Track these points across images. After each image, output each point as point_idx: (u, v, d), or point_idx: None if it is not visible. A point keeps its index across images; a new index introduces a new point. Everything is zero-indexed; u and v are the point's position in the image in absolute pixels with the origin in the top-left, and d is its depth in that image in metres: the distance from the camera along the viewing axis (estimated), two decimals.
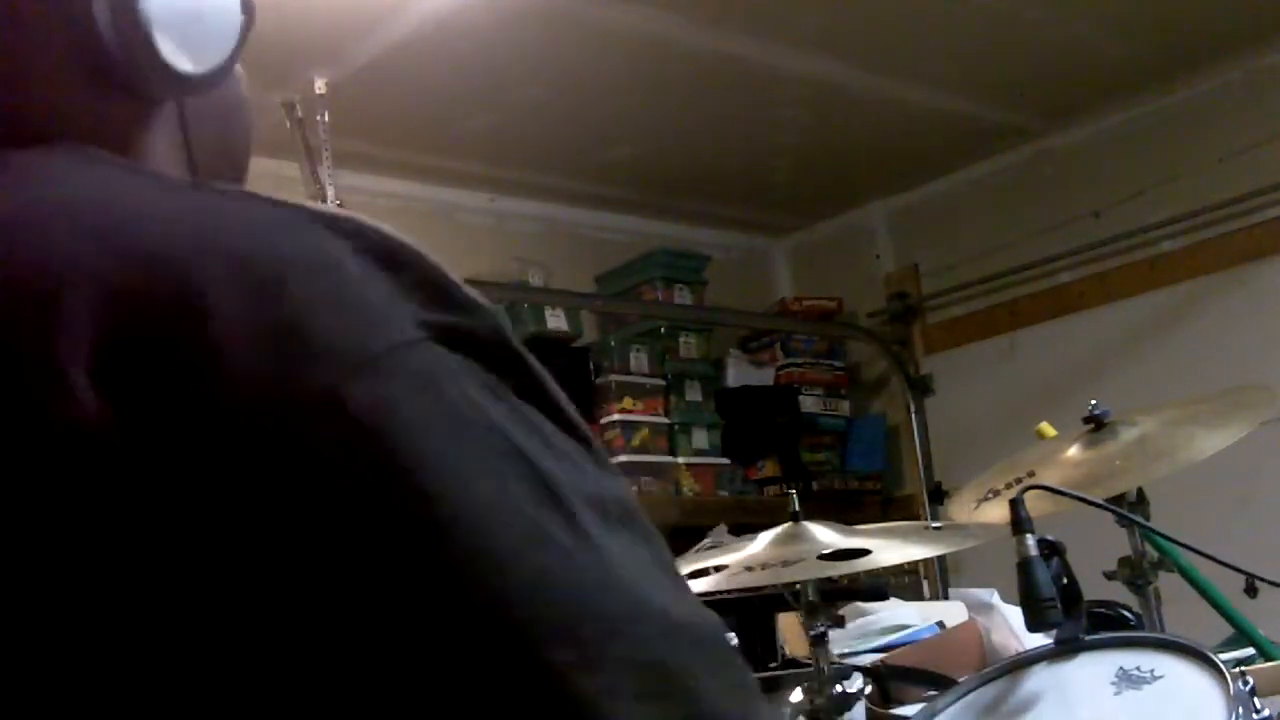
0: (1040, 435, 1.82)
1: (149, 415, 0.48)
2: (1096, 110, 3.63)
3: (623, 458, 3.56)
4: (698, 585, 1.45)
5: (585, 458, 0.53)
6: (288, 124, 2.63)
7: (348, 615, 0.48)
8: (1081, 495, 1.47)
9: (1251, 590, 1.50)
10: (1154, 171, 3.57)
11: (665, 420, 3.75)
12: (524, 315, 3.63)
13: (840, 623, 1.57)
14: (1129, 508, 1.58)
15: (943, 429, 4.03)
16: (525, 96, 3.18)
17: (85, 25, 0.64)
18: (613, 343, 3.76)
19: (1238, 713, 1.10)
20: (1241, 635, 1.72)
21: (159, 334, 0.50)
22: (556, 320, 3.70)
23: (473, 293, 0.55)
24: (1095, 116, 3.66)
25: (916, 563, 3.34)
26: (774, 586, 1.50)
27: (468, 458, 0.50)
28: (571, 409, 0.55)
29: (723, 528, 3.27)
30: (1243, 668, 1.19)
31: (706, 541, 2.20)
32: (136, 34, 0.64)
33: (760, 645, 1.81)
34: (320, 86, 2.85)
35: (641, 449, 3.65)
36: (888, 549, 1.48)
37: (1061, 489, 1.48)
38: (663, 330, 3.88)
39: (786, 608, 1.53)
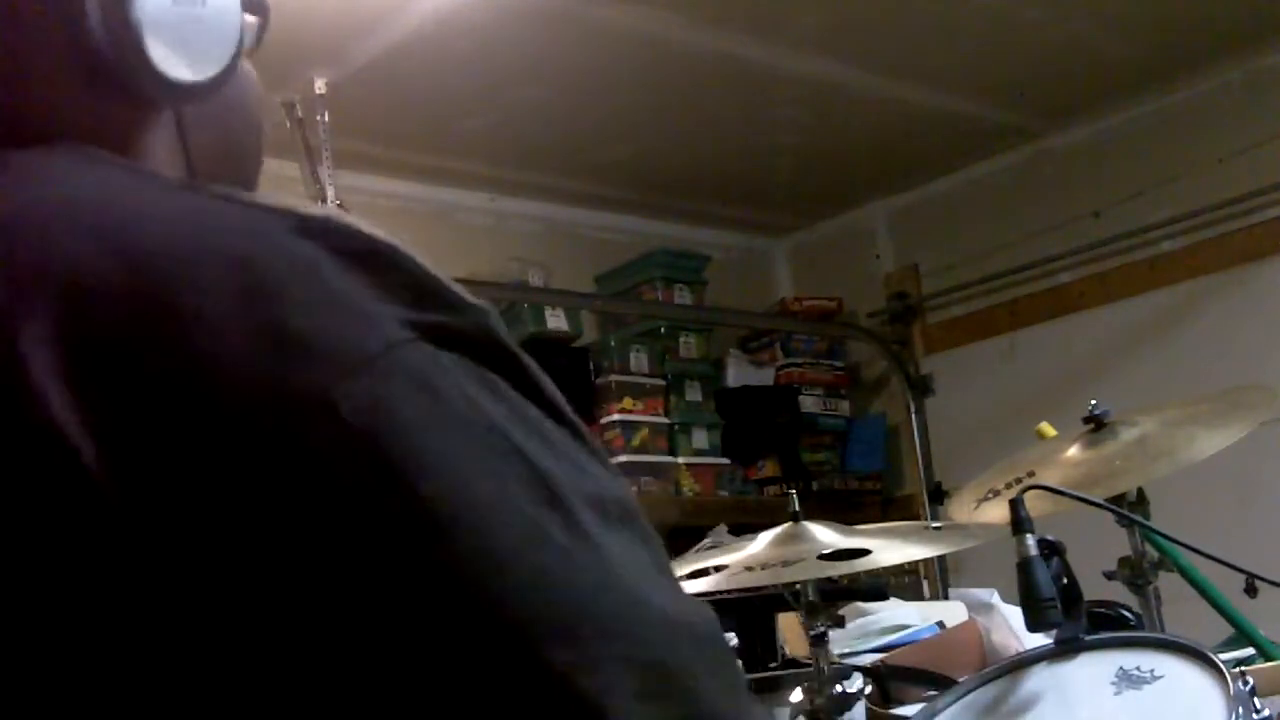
0: (1040, 435, 1.82)
1: (131, 419, 0.48)
2: (1096, 110, 3.63)
3: (623, 458, 3.56)
4: (698, 585, 1.45)
5: (584, 456, 0.53)
6: (288, 124, 2.63)
7: (348, 615, 0.48)
8: (1081, 495, 1.47)
9: (1251, 590, 1.50)
10: (1154, 171, 3.57)
11: (665, 420, 3.75)
12: (524, 315, 3.63)
13: (840, 623, 1.57)
14: (1129, 508, 1.58)
15: (943, 429, 4.03)
16: (525, 96, 3.18)
17: (81, 28, 0.64)
18: (613, 343, 3.76)
19: (1238, 713, 1.10)
20: (1241, 635, 1.72)
21: (140, 337, 0.49)
22: (556, 320, 3.70)
23: (462, 291, 0.54)
24: (1095, 116, 3.66)
25: (916, 563, 3.34)
26: (774, 586, 1.50)
27: (467, 457, 0.50)
28: (567, 407, 0.55)
29: (723, 528, 3.27)
30: (1243, 668, 1.19)
31: (706, 541, 2.20)
32: (128, 40, 0.64)
33: (760, 645, 1.81)
34: (320, 86, 2.85)
35: (641, 449, 3.65)
36: (888, 549, 1.48)
37: (1061, 489, 1.48)
38: (663, 330, 3.88)
39: (786, 608, 1.53)
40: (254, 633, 0.47)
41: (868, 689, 1.49)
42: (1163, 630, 1.52)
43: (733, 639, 1.52)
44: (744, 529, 1.86)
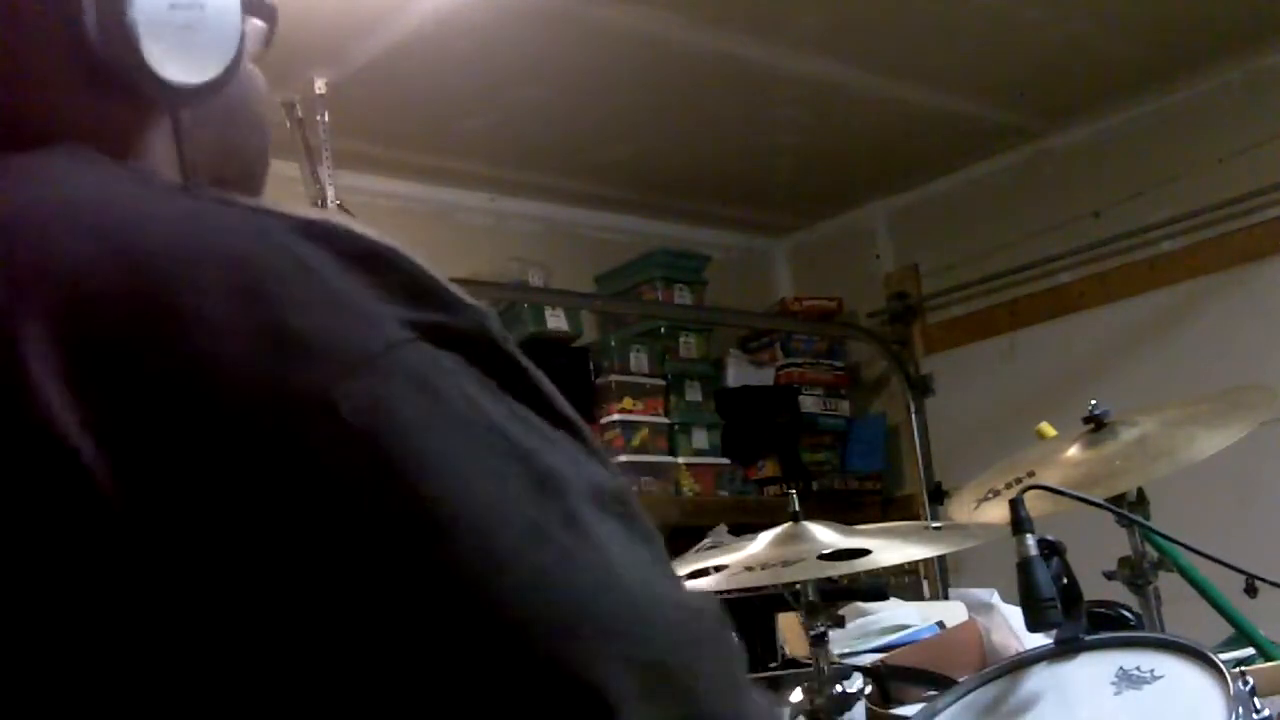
0: (1040, 435, 1.82)
1: (131, 419, 0.48)
2: (1096, 110, 3.63)
3: (623, 458, 3.56)
4: (698, 585, 1.45)
5: (583, 454, 0.54)
6: (288, 124, 2.63)
7: (349, 614, 0.48)
8: (1081, 495, 1.47)
9: (1251, 590, 1.50)
10: (1154, 171, 3.57)
11: (665, 420, 3.75)
12: (524, 315, 3.63)
13: (840, 623, 1.57)
14: (1129, 508, 1.58)
15: (943, 429, 4.03)
16: (524, 96, 3.18)
17: (78, 29, 0.64)
18: (613, 343, 3.76)
19: (1238, 713, 1.10)
20: (1241, 635, 1.72)
21: (140, 337, 0.49)
22: (556, 320, 3.70)
23: (459, 291, 0.54)
24: (1095, 116, 3.66)
25: (916, 563, 3.34)
26: (774, 586, 1.50)
27: (467, 457, 0.50)
28: (567, 406, 0.55)
29: (723, 528, 3.27)
30: (1243, 668, 1.19)
31: (706, 541, 2.20)
32: (124, 41, 0.64)
33: (760, 645, 1.81)
34: (320, 86, 2.85)
35: (641, 449, 3.65)
36: (888, 549, 1.48)
37: (1061, 489, 1.48)
38: (663, 330, 3.88)
39: (786, 608, 1.53)
40: (254, 633, 0.47)
41: (868, 689, 1.49)
42: (1163, 630, 1.52)
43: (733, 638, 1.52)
44: (744, 529, 1.86)
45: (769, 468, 3.91)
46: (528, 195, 3.86)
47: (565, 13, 2.81)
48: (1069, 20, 3.06)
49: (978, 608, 1.96)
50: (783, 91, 3.30)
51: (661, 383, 3.77)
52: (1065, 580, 1.30)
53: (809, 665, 1.48)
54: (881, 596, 1.72)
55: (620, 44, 2.97)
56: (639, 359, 3.76)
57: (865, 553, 1.44)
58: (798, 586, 1.49)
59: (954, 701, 1.34)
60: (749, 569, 1.46)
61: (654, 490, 3.61)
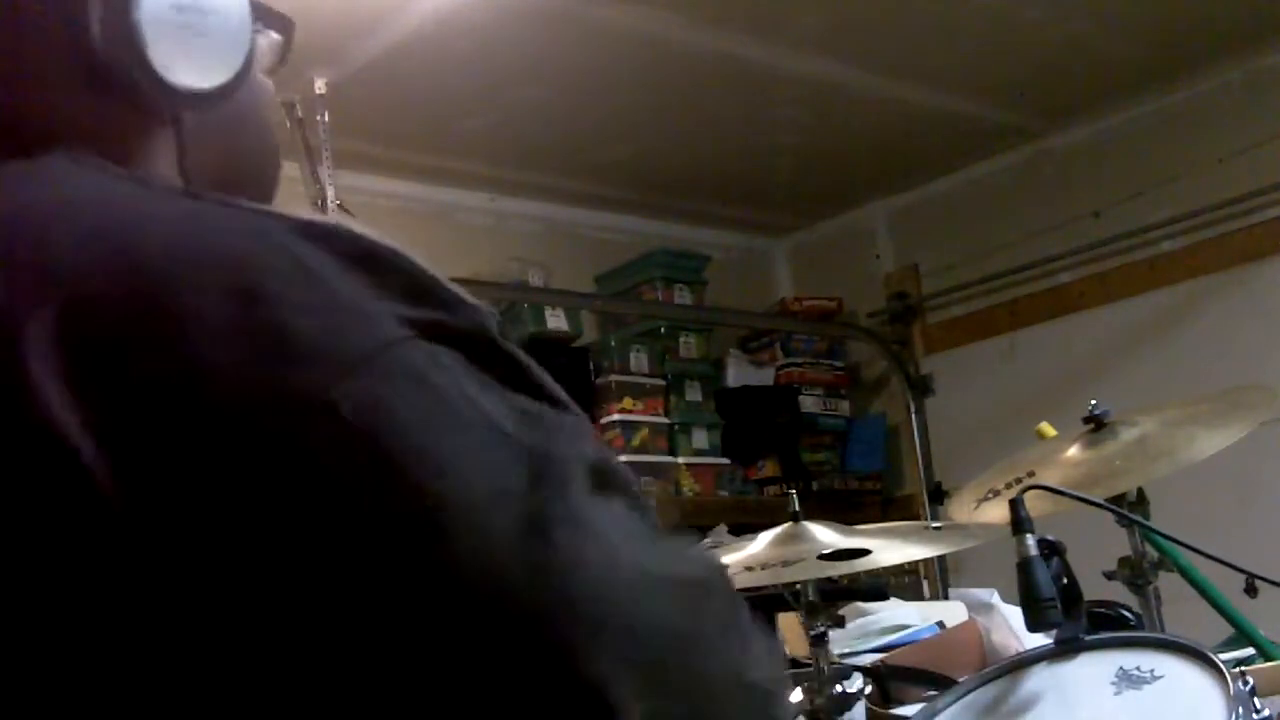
0: (1040, 435, 1.82)
1: (131, 419, 0.48)
2: (1096, 110, 3.63)
3: (623, 458, 3.55)
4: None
5: (580, 436, 0.54)
6: (288, 124, 2.63)
7: (351, 612, 0.48)
8: (1081, 495, 1.47)
9: (1251, 590, 1.50)
10: (1154, 171, 3.57)
11: (665, 420, 3.75)
12: (524, 315, 3.63)
13: (840, 623, 1.57)
14: (1129, 508, 1.57)
15: (943, 429, 4.03)
16: (525, 96, 3.18)
17: (83, 32, 0.64)
18: (613, 343, 3.76)
19: (1238, 713, 1.10)
20: (1241, 635, 1.72)
21: (135, 342, 0.50)
22: (556, 320, 3.70)
23: (458, 290, 0.55)
24: (1095, 116, 3.66)
25: (916, 563, 3.34)
26: (774, 586, 1.50)
27: (466, 455, 0.50)
28: (565, 398, 0.55)
29: (723, 528, 3.28)
30: (1243, 668, 1.19)
31: (706, 541, 2.20)
32: (129, 45, 0.64)
33: None
34: (320, 86, 2.85)
35: (641, 449, 3.65)
36: (888, 549, 1.48)
37: (1061, 489, 1.48)
38: (663, 330, 3.88)
39: (786, 608, 1.53)
40: (254, 630, 0.48)
41: (868, 689, 1.49)
42: (1163, 630, 1.52)
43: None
44: (744, 529, 1.86)
45: (769, 468, 3.91)
46: (528, 195, 3.86)
47: (565, 13, 2.81)
48: (1069, 20, 3.06)
49: (978, 608, 1.96)
50: (783, 91, 3.30)
51: (661, 383, 3.77)
52: (1065, 580, 1.30)
53: (809, 665, 1.48)
54: (881, 596, 1.71)
55: (620, 44, 2.97)
56: (639, 359, 3.76)
57: (865, 553, 1.44)
58: (798, 586, 1.49)
59: (954, 701, 1.34)
60: (749, 569, 1.46)
61: (654, 490, 3.60)
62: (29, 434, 0.48)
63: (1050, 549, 1.31)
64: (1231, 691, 1.12)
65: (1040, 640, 1.37)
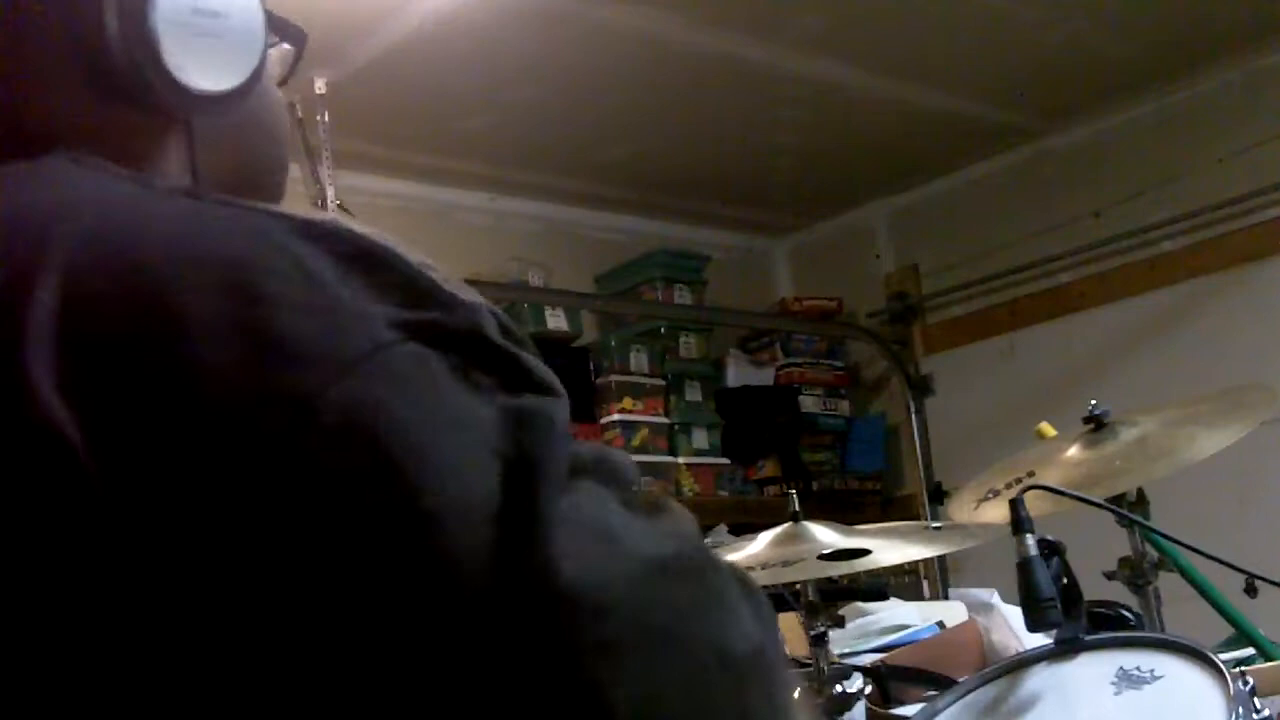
0: (1040, 435, 1.82)
1: (127, 420, 0.48)
2: (1096, 110, 3.63)
3: None
4: None
5: (567, 432, 0.54)
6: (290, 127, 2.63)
7: (338, 614, 0.48)
8: (1081, 495, 1.47)
9: (1251, 590, 1.50)
10: (1154, 171, 3.57)
11: (665, 420, 3.75)
12: (524, 315, 3.63)
13: (840, 623, 1.57)
14: (1129, 508, 1.58)
15: (943, 429, 4.03)
16: (525, 96, 3.18)
17: (94, 35, 0.64)
18: (613, 343, 3.76)
19: (1238, 713, 1.10)
20: (1241, 635, 1.72)
21: (130, 341, 0.50)
22: (556, 320, 3.70)
23: (455, 289, 0.55)
24: (1095, 116, 3.66)
25: (916, 563, 3.34)
26: (774, 586, 1.50)
27: (454, 458, 0.50)
28: (556, 385, 0.55)
29: (723, 528, 3.27)
30: (1243, 668, 1.19)
31: (706, 541, 2.20)
32: (145, 48, 0.64)
33: None
34: (320, 86, 2.85)
35: (641, 449, 3.65)
36: (888, 549, 1.48)
37: (1061, 489, 1.48)
38: (663, 330, 3.88)
39: (786, 608, 1.53)
40: (244, 630, 0.48)
41: (868, 689, 1.49)
42: (1163, 630, 1.52)
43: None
44: (744, 529, 1.86)
45: (769, 468, 3.91)
46: (528, 195, 3.86)
47: (565, 13, 2.81)
48: (1069, 20, 3.06)
49: (978, 608, 1.96)
50: (783, 91, 3.30)
51: (661, 383, 3.77)
52: (1065, 580, 1.30)
53: (809, 665, 1.48)
54: (881, 596, 1.72)
55: (620, 44, 2.97)
56: (639, 359, 3.76)
57: (865, 553, 1.44)
58: (798, 586, 1.49)
59: (954, 701, 1.34)
60: (749, 569, 1.46)
61: (654, 490, 3.60)
62: (28, 433, 0.48)
63: (1050, 549, 1.31)
64: (1231, 691, 1.12)
65: (1040, 640, 1.37)
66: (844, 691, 1.42)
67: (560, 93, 3.19)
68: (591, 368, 3.69)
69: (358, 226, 0.56)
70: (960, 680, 1.41)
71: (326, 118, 2.86)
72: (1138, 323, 3.63)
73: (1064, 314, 3.79)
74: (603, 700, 0.48)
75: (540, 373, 0.55)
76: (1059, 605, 1.28)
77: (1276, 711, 1.14)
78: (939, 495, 3.92)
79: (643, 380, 3.73)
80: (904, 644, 1.89)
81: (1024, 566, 1.30)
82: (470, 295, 0.55)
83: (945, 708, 1.34)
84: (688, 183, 3.89)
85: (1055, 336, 3.79)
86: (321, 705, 0.48)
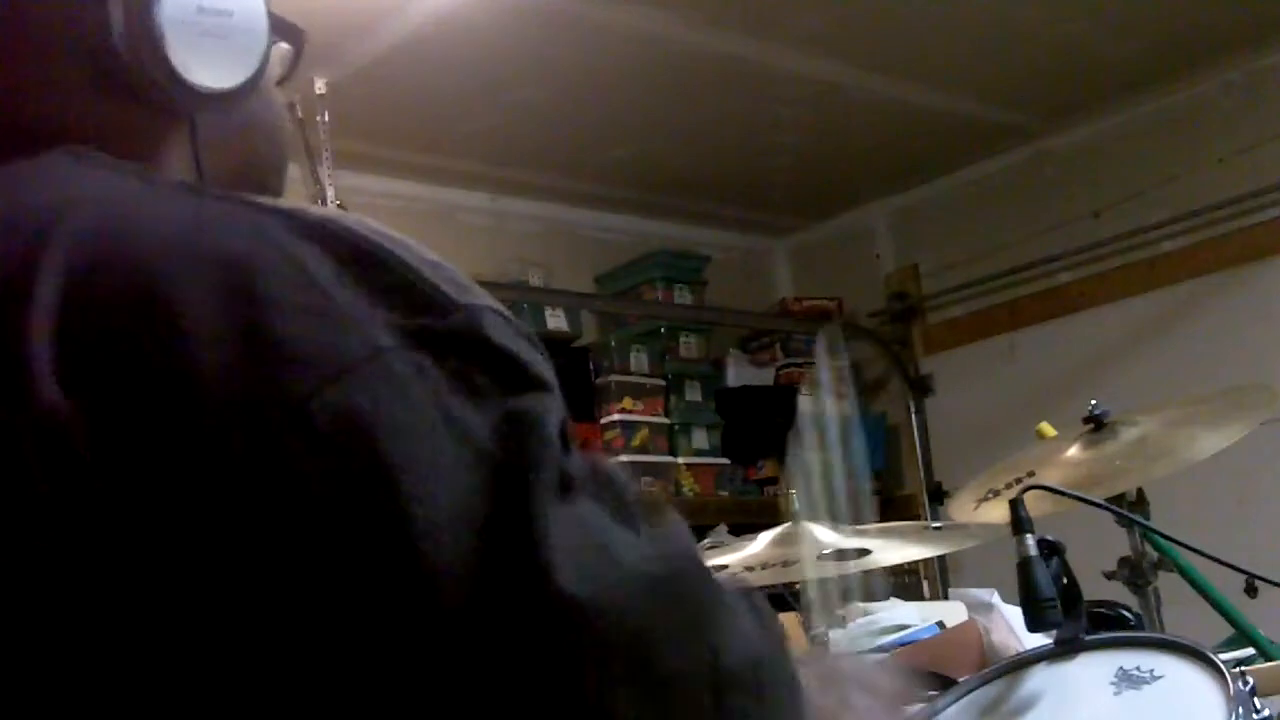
0: (1040, 435, 1.82)
1: (118, 416, 0.49)
2: (1096, 110, 3.63)
3: (623, 458, 3.56)
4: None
5: (563, 439, 0.53)
6: (290, 126, 2.63)
7: (327, 615, 0.48)
8: (1081, 495, 1.47)
9: (1251, 590, 1.50)
10: (1154, 171, 3.57)
11: (665, 420, 3.75)
12: (524, 315, 3.63)
13: (840, 623, 1.57)
14: (1129, 508, 1.58)
15: (943, 429, 4.03)
16: (525, 96, 3.18)
17: (100, 33, 0.64)
18: (613, 343, 3.77)
19: (1238, 713, 1.10)
20: (1241, 635, 1.72)
21: (129, 337, 0.50)
22: (556, 320, 3.71)
23: (456, 290, 0.54)
24: (1095, 116, 3.66)
25: (916, 563, 3.34)
26: (774, 586, 1.50)
27: (440, 467, 0.50)
28: (552, 376, 0.55)
29: (723, 528, 3.28)
30: (1243, 668, 1.19)
31: (706, 541, 2.20)
32: (150, 46, 0.64)
33: None
34: (320, 86, 2.85)
35: (641, 449, 3.65)
36: (888, 549, 1.48)
37: (1061, 489, 1.48)
38: (663, 330, 3.88)
39: (786, 608, 1.53)
40: (230, 630, 0.48)
41: None
42: (1163, 630, 1.52)
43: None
44: (744, 529, 1.86)
45: (769, 468, 3.91)
46: (528, 195, 3.86)
47: (565, 13, 2.81)
48: (1069, 20, 3.06)
49: (978, 608, 1.95)
50: (783, 91, 3.30)
51: (661, 383, 3.77)
52: (1065, 580, 1.30)
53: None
54: (881, 597, 1.72)
55: (620, 44, 2.97)
56: (639, 359, 3.76)
57: (865, 553, 1.44)
58: (798, 586, 1.49)
59: (954, 701, 1.34)
60: (749, 569, 1.46)
61: (654, 490, 3.60)
62: (32, 423, 0.49)
63: (1050, 549, 1.31)
64: (1231, 691, 1.11)
65: (1040, 640, 1.37)
66: None
67: (560, 93, 3.19)
68: (591, 368, 3.69)
69: (362, 224, 0.55)
70: (960, 680, 1.41)
71: (326, 118, 2.86)
72: (1138, 323, 3.63)
73: (1064, 314, 3.79)
74: (604, 713, 0.48)
75: (538, 368, 0.54)
76: (1059, 605, 1.28)
77: (1276, 711, 1.14)
78: (939, 495, 3.92)
79: (643, 380, 3.73)
80: (904, 644, 1.89)
81: (1024, 566, 1.30)
82: (472, 295, 0.54)
83: (945, 708, 1.34)
84: (688, 183, 3.89)
85: (1055, 336, 3.79)
86: (316, 703, 0.48)
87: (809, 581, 1.48)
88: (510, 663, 0.48)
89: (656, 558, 0.52)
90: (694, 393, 3.85)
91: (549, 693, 0.48)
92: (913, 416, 4.07)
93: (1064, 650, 1.31)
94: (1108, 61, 3.32)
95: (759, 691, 0.53)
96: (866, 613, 1.97)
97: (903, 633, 1.94)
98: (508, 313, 0.55)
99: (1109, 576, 1.59)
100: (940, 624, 1.96)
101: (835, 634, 1.54)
